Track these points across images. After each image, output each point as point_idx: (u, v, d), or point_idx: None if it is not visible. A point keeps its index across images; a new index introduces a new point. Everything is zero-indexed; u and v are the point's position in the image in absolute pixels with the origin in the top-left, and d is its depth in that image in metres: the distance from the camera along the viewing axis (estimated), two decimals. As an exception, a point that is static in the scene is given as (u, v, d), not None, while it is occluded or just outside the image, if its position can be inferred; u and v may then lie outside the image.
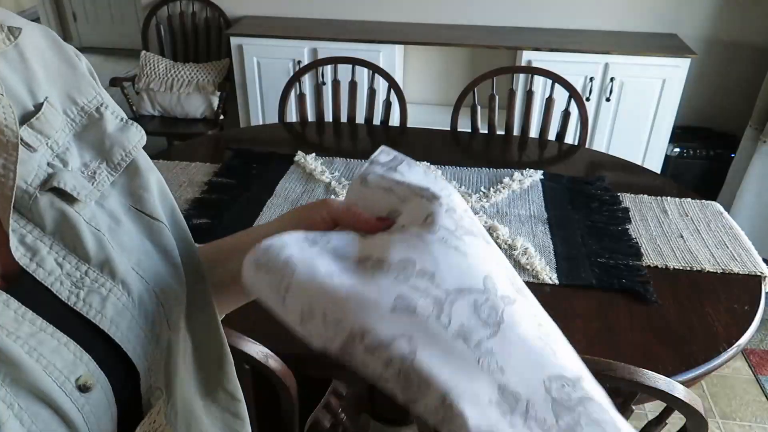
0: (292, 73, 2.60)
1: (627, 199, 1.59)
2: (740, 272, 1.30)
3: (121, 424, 0.41)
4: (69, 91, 0.45)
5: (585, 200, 1.58)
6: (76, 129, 0.45)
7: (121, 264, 0.42)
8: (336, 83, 2.13)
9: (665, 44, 2.63)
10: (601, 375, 0.89)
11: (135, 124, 0.49)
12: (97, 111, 0.46)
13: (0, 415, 0.32)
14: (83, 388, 0.37)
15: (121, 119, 0.48)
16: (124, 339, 0.40)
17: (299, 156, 1.78)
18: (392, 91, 2.09)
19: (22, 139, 0.40)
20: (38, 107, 0.42)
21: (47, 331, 0.37)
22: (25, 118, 0.41)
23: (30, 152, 0.40)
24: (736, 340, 1.11)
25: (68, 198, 0.41)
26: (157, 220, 0.47)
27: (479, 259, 0.45)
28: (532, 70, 2.16)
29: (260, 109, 2.94)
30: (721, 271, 1.31)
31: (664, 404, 0.94)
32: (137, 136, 0.48)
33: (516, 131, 2.15)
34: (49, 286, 0.38)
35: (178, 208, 0.52)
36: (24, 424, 0.33)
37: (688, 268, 1.32)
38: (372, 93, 2.14)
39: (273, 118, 2.91)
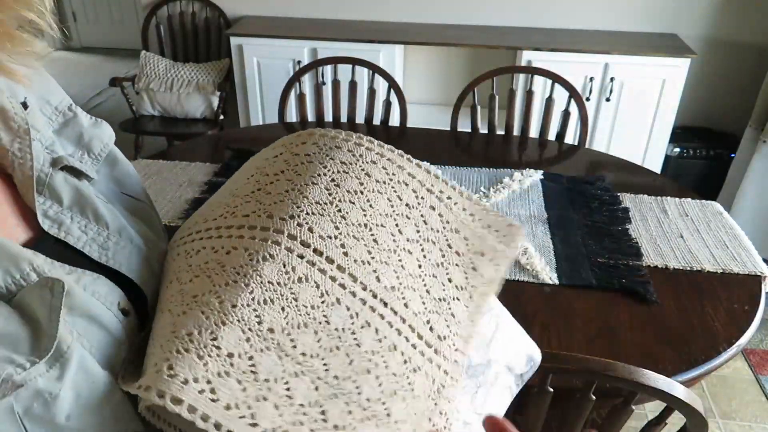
0: (292, 73, 2.60)
1: (627, 199, 1.59)
2: (740, 272, 1.30)
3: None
4: (41, 93, 0.48)
5: (585, 200, 1.58)
6: (54, 126, 0.48)
7: (135, 234, 0.46)
8: (336, 83, 2.13)
9: (665, 44, 2.63)
10: (601, 375, 0.89)
11: (104, 121, 0.53)
12: (69, 110, 0.50)
13: (66, 342, 0.35)
14: (124, 312, 0.41)
15: (91, 117, 0.52)
16: (149, 290, 0.45)
17: (299, 156, 1.77)
18: (392, 91, 2.09)
19: None
20: (23, 105, 0.45)
21: (77, 272, 0.40)
22: None
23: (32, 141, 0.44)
24: (736, 340, 1.11)
25: (78, 174, 0.45)
26: (141, 201, 0.52)
27: None
28: (532, 70, 2.16)
29: (260, 109, 2.94)
30: (721, 271, 1.31)
31: (664, 404, 0.94)
32: (109, 130, 0.53)
33: (516, 131, 2.15)
34: (80, 248, 0.41)
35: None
36: (84, 347, 0.37)
37: (688, 268, 1.32)
38: (372, 93, 2.14)
39: (273, 118, 2.91)
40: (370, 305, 0.41)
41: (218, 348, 0.36)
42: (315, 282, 0.40)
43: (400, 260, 0.44)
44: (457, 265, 0.48)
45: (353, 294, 0.41)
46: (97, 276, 0.41)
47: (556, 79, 2.00)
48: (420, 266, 0.45)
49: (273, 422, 0.36)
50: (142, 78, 2.95)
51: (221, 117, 2.99)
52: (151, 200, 0.57)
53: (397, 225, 0.46)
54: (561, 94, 2.06)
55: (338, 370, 0.39)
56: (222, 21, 3.05)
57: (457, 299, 0.46)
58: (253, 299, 0.38)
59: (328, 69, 2.66)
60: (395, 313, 0.42)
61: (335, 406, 0.38)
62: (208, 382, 0.35)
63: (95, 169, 0.49)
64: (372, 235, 0.44)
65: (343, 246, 0.42)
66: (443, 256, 0.47)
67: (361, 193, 0.45)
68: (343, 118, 2.22)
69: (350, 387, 0.39)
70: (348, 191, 0.45)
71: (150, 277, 0.46)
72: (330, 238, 0.42)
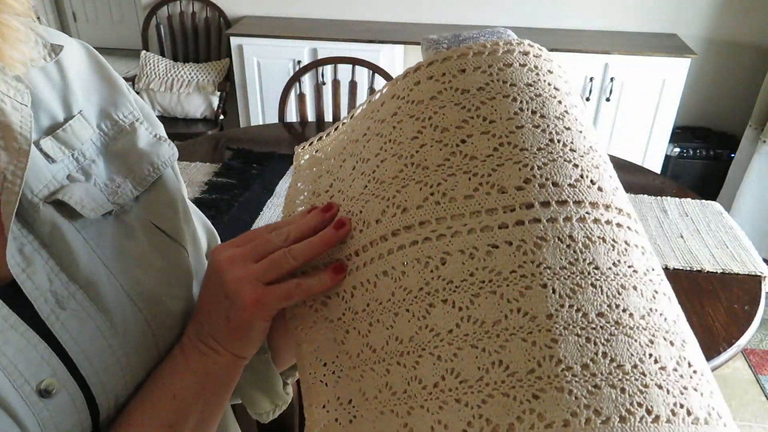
0: (292, 73, 2.60)
1: (627, 199, 1.59)
2: (740, 272, 1.30)
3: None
4: (105, 107, 0.46)
5: (585, 200, 1.58)
6: (106, 142, 0.45)
7: (111, 291, 0.40)
8: (336, 83, 2.13)
9: (665, 44, 2.63)
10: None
11: (168, 140, 0.49)
12: (131, 126, 0.47)
13: None
14: (44, 393, 0.36)
15: (155, 135, 0.48)
16: (91, 373, 0.39)
17: (299, 156, 1.78)
18: (392, 91, 2.09)
19: (41, 150, 0.40)
20: (68, 120, 0.42)
21: (19, 329, 0.36)
22: (53, 129, 0.42)
23: (48, 162, 0.40)
24: (736, 340, 1.11)
25: (71, 213, 0.40)
26: (175, 242, 0.46)
27: None
28: (532, 70, 2.16)
29: (260, 109, 2.94)
30: (721, 271, 1.31)
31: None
32: (168, 152, 0.48)
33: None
34: (32, 301, 0.37)
35: (199, 237, 0.52)
36: None
37: (688, 268, 1.32)
38: (372, 93, 2.13)
39: (273, 118, 2.91)
40: (614, 222, 0.36)
41: (567, 368, 0.31)
42: (600, 238, 0.34)
43: (600, 156, 0.38)
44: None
45: (619, 226, 0.35)
46: (38, 341, 0.36)
47: (556, 79, 2.00)
48: (592, 146, 0.39)
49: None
50: (142, 78, 2.95)
51: (221, 117, 2.99)
52: (200, 249, 0.51)
53: (581, 123, 0.39)
54: (561, 94, 2.05)
55: (634, 306, 0.33)
56: (222, 21, 3.05)
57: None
58: (560, 297, 0.32)
59: (328, 69, 2.66)
60: (620, 211, 0.37)
61: (665, 349, 0.33)
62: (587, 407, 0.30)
63: (135, 195, 0.44)
64: (598, 153, 0.38)
65: (593, 182, 0.36)
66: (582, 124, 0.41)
67: (567, 113, 0.37)
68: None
69: (661, 321, 0.33)
70: (557, 117, 0.37)
71: (99, 350, 0.39)
72: (579, 180, 0.35)
